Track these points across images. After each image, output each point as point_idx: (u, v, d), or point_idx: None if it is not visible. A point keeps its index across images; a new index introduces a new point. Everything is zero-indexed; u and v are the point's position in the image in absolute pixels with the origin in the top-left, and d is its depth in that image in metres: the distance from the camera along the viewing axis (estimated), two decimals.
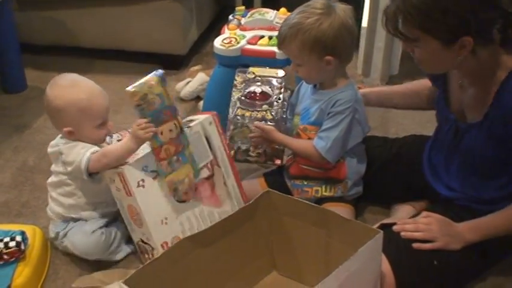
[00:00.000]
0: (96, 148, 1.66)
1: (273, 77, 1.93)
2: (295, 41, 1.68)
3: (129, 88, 1.56)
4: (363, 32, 2.56)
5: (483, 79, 1.54)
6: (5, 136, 2.35)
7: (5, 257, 1.60)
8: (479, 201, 1.63)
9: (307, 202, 1.55)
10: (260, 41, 2.17)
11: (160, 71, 1.61)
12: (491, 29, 1.45)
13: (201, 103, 2.36)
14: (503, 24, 1.44)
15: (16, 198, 2.01)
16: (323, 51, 1.68)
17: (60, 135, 1.73)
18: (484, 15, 1.42)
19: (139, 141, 1.59)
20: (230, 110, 1.89)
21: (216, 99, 2.23)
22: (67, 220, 1.74)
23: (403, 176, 1.83)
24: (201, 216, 1.74)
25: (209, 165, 1.76)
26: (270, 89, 1.90)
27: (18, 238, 1.63)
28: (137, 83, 1.57)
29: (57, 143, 1.71)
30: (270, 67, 2.27)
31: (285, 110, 1.90)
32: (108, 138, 2.10)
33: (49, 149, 1.72)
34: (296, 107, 1.87)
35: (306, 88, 1.86)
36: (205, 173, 1.75)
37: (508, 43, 1.49)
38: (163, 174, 1.63)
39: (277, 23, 2.24)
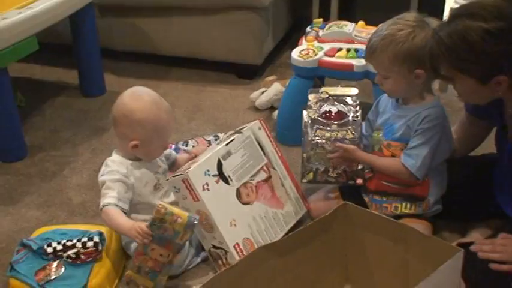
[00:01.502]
0: (109, 200, 1.63)
1: (346, 95, 1.91)
2: (387, 52, 1.66)
3: (161, 204, 1.54)
4: None
5: None
6: (84, 138, 2.42)
7: (82, 256, 1.64)
8: None
9: (385, 216, 1.52)
10: (338, 53, 2.17)
11: (196, 219, 1.55)
12: None
13: (276, 113, 2.36)
14: None
15: (93, 199, 2.05)
16: (414, 64, 1.66)
17: (115, 151, 1.75)
18: None
19: (130, 236, 1.58)
20: (305, 131, 1.86)
21: (292, 110, 2.23)
22: None
23: (480, 195, 1.79)
24: (266, 218, 1.77)
25: (265, 167, 1.83)
26: (345, 108, 1.87)
27: (96, 238, 1.66)
28: (170, 208, 1.54)
29: (104, 170, 1.71)
30: (347, 79, 2.28)
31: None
32: (182, 144, 2.15)
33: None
34: (375, 122, 1.85)
35: (385, 103, 1.83)
36: (262, 175, 1.81)
37: None
38: (129, 267, 1.63)
39: (355, 35, 2.24)
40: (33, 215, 2.00)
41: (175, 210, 1.55)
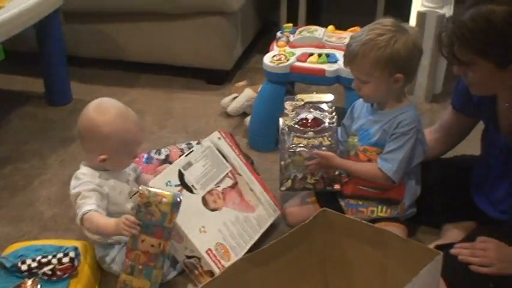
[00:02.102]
0: (89, 207, 1.60)
1: (322, 101, 1.91)
2: (368, 57, 1.67)
3: (142, 188, 1.55)
4: None
5: None
6: (52, 149, 2.37)
7: (58, 273, 1.61)
8: None
9: (363, 222, 1.53)
10: (310, 59, 2.17)
11: (180, 197, 1.58)
12: None
13: (248, 119, 2.35)
14: None
15: (64, 213, 2.01)
16: (395, 68, 1.68)
17: (83, 163, 1.72)
18: None
19: (119, 233, 1.57)
20: (283, 138, 1.86)
21: (264, 115, 2.24)
22: (110, 244, 1.71)
23: (453, 196, 1.82)
24: (238, 222, 1.79)
25: (230, 174, 1.85)
26: (321, 114, 1.88)
27: (72, 254, 1.64)
28: (152, 189, 1.55)
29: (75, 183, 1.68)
30: (319, 84, 2.29)
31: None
32: (154, 153, 2.13)
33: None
34: (350, 128, 1.86)
35: (360, 109, 1.84)
36: (228, 182, 1.83)
37: None
38: (122, 270, 1.61)
39: (326, 40, 2.25)
40: (4, 230, 1.95)
41: (158, 190, 1.55)
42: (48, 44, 2.53)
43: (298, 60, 2.17)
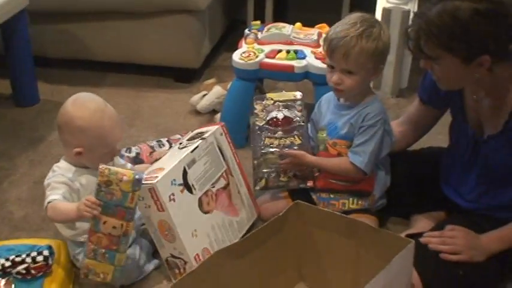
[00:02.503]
0: (55, 197, 1.60)
1: (291, 100, 1.93)
2: (365, 48, 1.68)
3: (102, 166, 1.53)
4: None
5: (499, 91, 1.59)
6: (21, 150, 2.35)
7: (33, 272, 1.59)
8: (498, 209, 1.67)
9: (336, 213, 1.56)
10: (278, 55, 2.20)
11: (142, 175, 1.56)
12: (509, 47, 1.51)
13: (218, 116, 2.37)
14: None
15: (35, 212, 1.99)
16: (381, 60, 1.73)
17: (63, 157, 1.72)
18: (503, 35, 1.49)
19: (81, 215, 1.55)
20: (254, 139, 1.87)
21: (235, 112, 2.25)
22: (82, 242, 1.68)
23: (421, 187, 1.86)
24: (223, 226, 1.76)
25: (224, 174, 1.81)
26: (290, 113, 1.89)
27: (46, 253, 1.62)
28: (113, 168, 1.54)
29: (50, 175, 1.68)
30: (288, 80, 2.31)
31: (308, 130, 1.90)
32: (125, 151, 2.13)
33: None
34: (318, 123, 1.88)
35: (327, 104, 1.87)
36: (222, 182, 1.79)
37: None
38: (84, 255, 1.59)
39: (294, 37, 2.27)
40: None
41: (118, 169, 1.54)
42: (15, 45, 2.51)
43: (267, 56, 2.19)
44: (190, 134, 1.86)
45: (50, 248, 1.66)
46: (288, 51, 2.20)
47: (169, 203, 1.60)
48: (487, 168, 1.67)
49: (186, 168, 1.67)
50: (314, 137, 1.90)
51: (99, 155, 1.68)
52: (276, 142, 1.84)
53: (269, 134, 1.86)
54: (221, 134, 1.83)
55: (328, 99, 1.87)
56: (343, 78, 1.74)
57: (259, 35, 2.31)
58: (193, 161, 1.70)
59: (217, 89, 2.44)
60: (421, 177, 1.88)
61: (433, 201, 1.85)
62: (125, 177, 1.52)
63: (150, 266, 1.75)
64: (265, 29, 2.34)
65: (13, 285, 1.58)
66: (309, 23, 2.39)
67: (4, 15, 2.33)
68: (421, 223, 1.84)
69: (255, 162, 1.86)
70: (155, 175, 1.61)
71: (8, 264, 1.60)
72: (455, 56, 1.51)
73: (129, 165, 1.85)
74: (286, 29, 2.31)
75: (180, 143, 1.83)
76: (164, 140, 2.22)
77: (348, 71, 1.73)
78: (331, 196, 1.86)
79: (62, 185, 1.64)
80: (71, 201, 1.63)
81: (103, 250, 1.56)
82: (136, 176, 1.53)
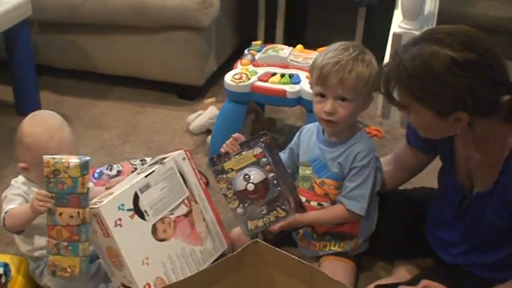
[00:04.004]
0: (11, 206, 1.60)
1: (252, 162, 1.71)
2: (361, 73, 1.57)
3: (47, 157, 1.48)
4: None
5: (489, 145, 1.44)
6: (11, 160, 2.29)
7: None
8: (483, 267, 1.54)
9: (296, 258, 1.43)
10: (271, 79, 2.11)
11: (87, 158, 1.50)
12: (493, 103, 1.35)
13: (210, 137, 2.30)
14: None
15: None
16: (373, 88, 1.61)
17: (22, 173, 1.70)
18: (483, 93, 1.32)
19: (36, 211, 1.51)
20: (241, 225, 1.74)
21: (225, 135, 2.14)
22: (38, 258, 1.67)
23: (409, 232, 1.73)
24: (183, 256, 1.67)
25: (186, 201, 1.71)
26: (260, 176, 1.70)
27: (0, 270, 1.59)
28: (58, 156, 1.49)
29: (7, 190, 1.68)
30: (280, 106, 2.23)
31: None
32: (106, 169, 2.08)
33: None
34: (300, 156, 1.75)
35: (309, 136, 1.74)
36: (182, 209, 1.70)
37: None
38: (48, 252, 1.53)
39: (291, 60, 2.18)
40: None
41: (63, 156, 1.50)
42: (17, 54, 2.50)
43: (259, 79, 2.11)
44: (155, 159, 1.79)
45: (5, 265, 1.63)
46: (282, 75, 2.12)
47: (115, 229, 1.53)
48: (474, 226, 1.53)
49: (138, 193, 1.59)
50: (291, 168, 1.78)
51: (42, 175, 1.63)
52: (261, 223, 1.71)
53: (252, 216, 1.71)
54: (184, 159, 1.74)
55: (310, 132, 1.74)
56: (336, 107, 1.60)
57: (257, 56, 2.23)
58: (147, 186, 1.62)
59: (212, 109, 2.37)
60: (409, 221, 1.74)
61: (420, 248, 1.71)
62: (71, 163, 1.47)
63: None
64: (263, 50, 2.26)
65: None
66: (327, 44, 2.29)
67: (6, 23, 2.33)
68: (402, 271, 1.73)
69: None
70: (101, 200, 1.55)
71: None
72: (428, 108, 1.36)
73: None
74: (284, 51, 2.22)
75: (141, 168, 1.76)
76: (148, 160, 2.16)
77: (343, 98, 1.59)
78: (314, 236, 1.75)
79: (18, 196, 1.64)
80: None
81: (65, 243, 1.51)
82: (83, 159, 1.49)
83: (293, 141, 1.79)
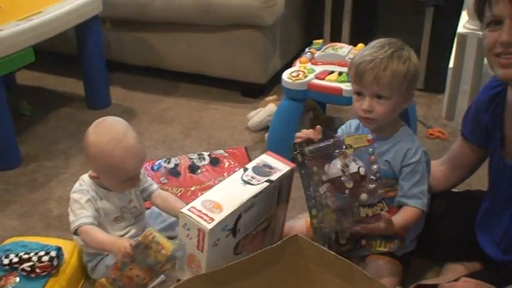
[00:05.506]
0: (86, 220, 1.64)
1: (364, 146, 1.56)
2: (397, 70, 1.56)
3: (150, 229, 1.54)
4: (449, 74, 2.40)
5: None
6: (79, 151, 2.37)
7: (38, 270, 1.63)
8: None
9: (333, 254, 1.43)
10: (328, 77, 2.10)
11: (179, 251, 1.53)
12: None
13: (267, 134, 2.31)
14: None
15: None
16: (412, 84, 1.60)
17: (90, 171, 1.74)
18: None
19: (111, 251, 1.58)
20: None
21: (281, 132, 2.19)
22: (94, 253, 1.72)
23: (457, 233, 1.69)
24: None
25: (269, 217, 1.67)
26: (363, 165, 1.55)
27: (53, 253, 1.65)
28: (157, 236, 1.52)
29: (77, 187, 1.72)
30: (336, 104, 2.21)
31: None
32: (164, 161, 2.13)
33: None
34: None
35: (354, 127, 1.72)
36: (263, 225, 1.66)
37: None
38: (104, 276, 1.61)
39: (349, 58, 2.16)
40: (12, 224, 2.02)
41: (162, 239, 1.53)
42: (88, 49, 2.61)
43: (316, 77, 2.11)
44: (256, 161, 1.67)
45: (58, 249, 1.68)
46: (340, 73, 2.10)
47: (212, 248, 1.49)
48: None
49: (242, 213, 1.53)
50: None
51: (116, 182, 1.69)
52: (370, 212, 1.54)
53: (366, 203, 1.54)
54: (288, 177, 1.65)
55: (356, 126, 1.72)
56: (374, 104, 1.59)
57: (316, 55, 2.23)
58: (251, 206, 1.55)
59: (271, 106, 2.38)
60: (461, 222, 1.70)
61: (471, 250, 1.66)
62: (163, 251, 1.52)
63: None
64: (323, 48, 2.25)
65: (17, 279, 1.62)
66: None
67: (77, 18, 2.45)
68: (451, 272, 1.67)
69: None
70: (211, 215, 1.48)
71: (16, 259, 1.64)
72: None
73: (152, 187, 1.83)
74: (343, 49, 2.21)
75: (245, 171, 1.63)
76: (206, 154, 2.21)
77: (379, 95, 1.58)
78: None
79: (88, 203, 1.68)
80: (98, 219, 1.68)
81: (121, 283, 1.58)
82: (175, 254, 1.53)
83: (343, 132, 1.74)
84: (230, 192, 1.56)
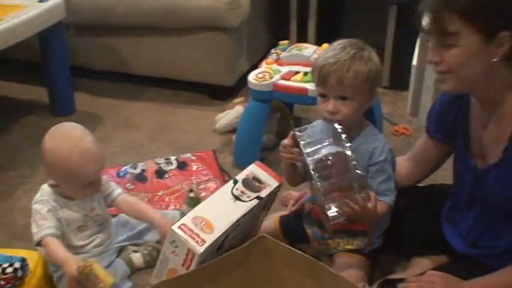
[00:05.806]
0: (49, 231, 1.63)
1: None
2: (359, 71, 1.56)
3: (90, 261, 1.54)
4: (413, 71, 2.42)
5: (502, 113, 1.45)
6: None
7: (2, 282, 1.59)
8: (493, 257, 1.53)
9: (299, 252, 1.43)
10: (294, 77, 2.10)
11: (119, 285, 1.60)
12: None
13: (235, 136, 2.30)
14: None
15: None
16: (375, 84, 1.62)
17: (50, 181, 1.71)
18: None
19: (64, 270, 1.58)
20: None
21: (248, 133, 2.18)
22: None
23: (423, 228, 1.71)
24: None
25: (250, 228, 1.70)
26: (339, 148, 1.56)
27: (17, 265, 1.62)
28: (98, 268, 1.53)
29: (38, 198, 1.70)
30: (302, 104, 2.21)
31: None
32: (131, 167, 2.10)
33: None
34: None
35: (319, 132, 1.66)
36: (244, 235, 1.68)
37: None
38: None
39: (314, 58, 2.16)
40: None
41: (101, 272, 1.53)
42: (52, 55, 2.58)
43: (282, 78, 2.11)
44: (246, 173, 1.68)
45: (23, 260, 1.64)
46: (305, 73, 2.10)
47: (198, 266, 1.49)
48: (487, 202, 1.52)
49: (230, 232, 1.56)
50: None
51: (77, 189, 1.66)
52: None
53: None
54: (275, 192, 1.69)
55: (320, 128, 1.69)
56: (338, 106, 1.59)
57: (281, 55, 2.22)
58: (239, 224, 1.58)
59: (238, 108, 2.38)
60: (426, 217, 1.72)
61: (437, 245, 1.69)
62: (101, 284, 1.51)
63: (128, 284, 1.72)
64: (288, 49, 2.25)
65: None
66: None
67: (40, 25, 2.41)
68: (417, 267, 1.69)
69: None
70: (203, 236, 1.49)
71: None
72: (476, 29, 1.35)
73: (114, 193, 1.81)
74: (308, 50, 2.21)
75: (235, 184, 1.64)
76: (173, 158, 2.19)
77: (343, 97, 1.59)
78: (326, 235, 1.71)
79: (50, 213, 1.66)
80: (60, 230, 1.65)
81: None
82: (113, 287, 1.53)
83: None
84: (220, 210, 1.57)
